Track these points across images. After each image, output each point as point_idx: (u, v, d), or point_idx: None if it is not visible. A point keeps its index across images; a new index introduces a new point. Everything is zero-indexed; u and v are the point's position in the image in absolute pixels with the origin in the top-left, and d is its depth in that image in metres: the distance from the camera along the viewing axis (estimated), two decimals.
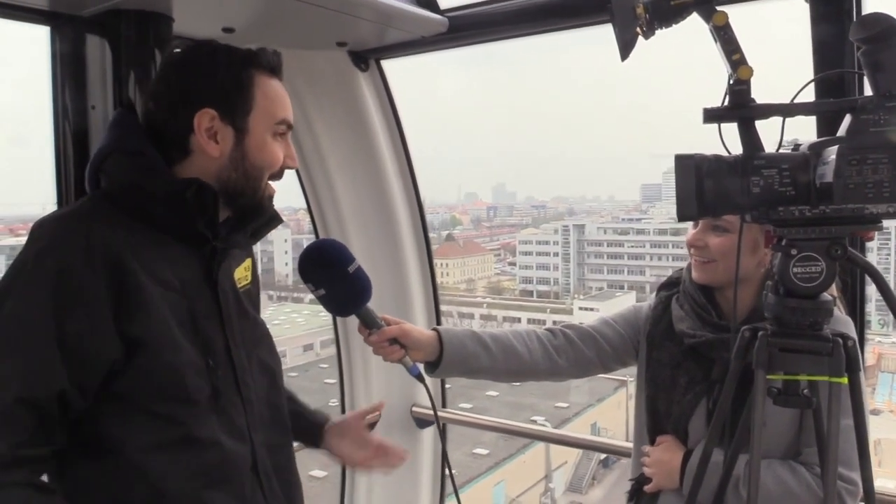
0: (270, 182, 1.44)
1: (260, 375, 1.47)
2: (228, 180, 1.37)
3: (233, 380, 1.39)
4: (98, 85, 1.94)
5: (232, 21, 2.06)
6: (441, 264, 31.76)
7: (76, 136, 1.95)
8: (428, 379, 1.67)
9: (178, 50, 1.45)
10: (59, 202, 1.97)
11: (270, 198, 1.45)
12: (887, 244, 23.48)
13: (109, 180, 1.36)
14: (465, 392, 15.99)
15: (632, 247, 30.55)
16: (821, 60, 1.74)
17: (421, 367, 1.67)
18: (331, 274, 1.54)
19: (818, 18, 1.75)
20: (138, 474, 1.27)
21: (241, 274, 1.51)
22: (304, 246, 1.64)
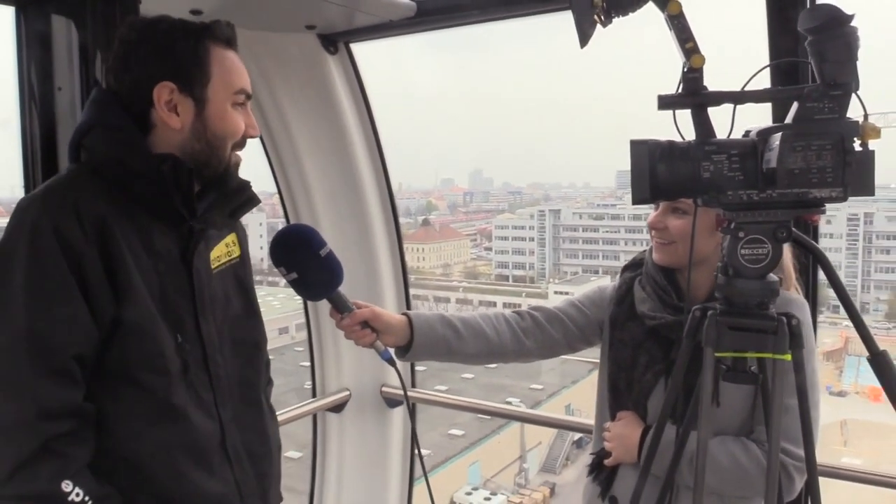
0: (238, 150, 1.47)
1: (232, 353, 1.50)
2: (193, 151, 1.40)
3: (201, 356, 1.42)
4: (65, 66, 1.93)
5: (199, 3, 2.06)
6: (417, 249, 31.74)
7: (43, 118, 1.95)
8: (399, 363, 1.70)
9: (134, 21, 1.46)
10: (26, 183, 1.97)
11: (237, 166, 1.48)
12: (856, 230, 23.91)
13: (90, 154, 1.40)
14: (440, 374, 16.09)
15: (606, 232, 30.79)
16: (776, 48, 1.79)
17: (392, 351, 1.70)
18: (302, 258, 1.56)
19: (773, 7, 1.80)
20: (113, 442, 1.31)
21: (222, 251, 1.54)
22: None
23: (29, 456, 1.20)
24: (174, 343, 1.37)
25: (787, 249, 1.65)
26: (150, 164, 1.35)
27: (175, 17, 1.45)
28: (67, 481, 1.21)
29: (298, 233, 1.62)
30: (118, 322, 1.30)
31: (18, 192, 2.01)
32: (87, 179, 1.36)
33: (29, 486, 1.21)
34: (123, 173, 1.36)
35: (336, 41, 2.58)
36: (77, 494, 1.21)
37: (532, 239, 31.98)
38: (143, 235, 1.36)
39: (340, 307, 1.63)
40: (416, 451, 2.27)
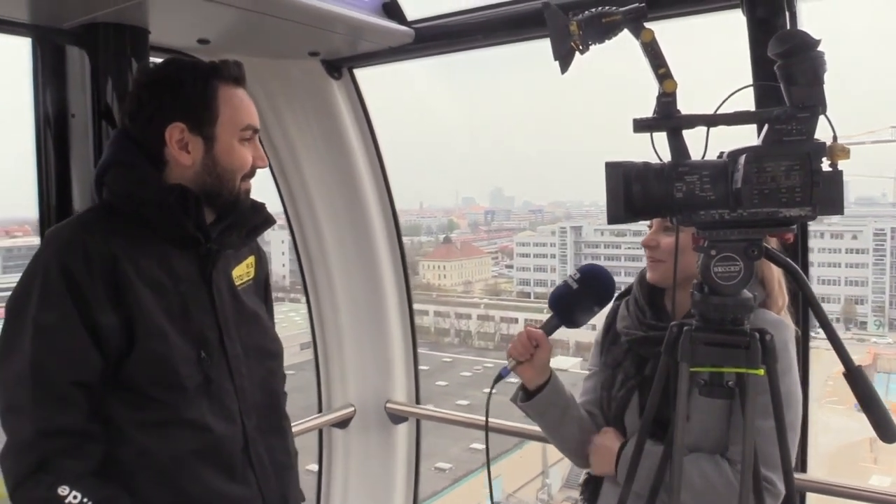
0: (247, 180, 1.58)
1: (256, 365, 1.60)
2: (204, 184, 1.51)
3: (226, 369, 1.52)
4: (78, 94, 2.03)
5: (206, 33, 2.15)
6: (439, 266, 31.81)
7: (57, 143, 2.05)
8: (412, 376, 1.72)
9: (149, 65, 1.58)
10: (40, 204, 2.08)
11: (247, 193, 1.58)
12: (883, 245, 23.54)
13: (109, 191, 1.51)
14: (460, 391, 16.13)
15: (628, 248, 30.55)
16: (758, 70, 1.83)
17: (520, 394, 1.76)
18: (591, 297, 1.71)
19: (754, 32, 1.84)
20: (136, 452, 1.42)
21: (243, 271, 1.65)
22: None
23: (30, 469, 1.33)
24: (196, 358, 1.47)
25: (776, 272, 1.68)
26: (161, 195, 1.46)
27: (186, 59, 1.58)
28: (64, 486, 1.32)
29: (609, 286, 1.74)
30: (131, 346, 1.40)
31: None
32: (103, 218, 1.48)
33: (31, 494, 1.33)
34: (139, 207, 1.47)
35: (340, 67, 2.66)
36: (75, 497, 1.31)
37: (553, 256, 31.82)
38: (164, 262, 1.47)
39: (549, 329, 1.73)
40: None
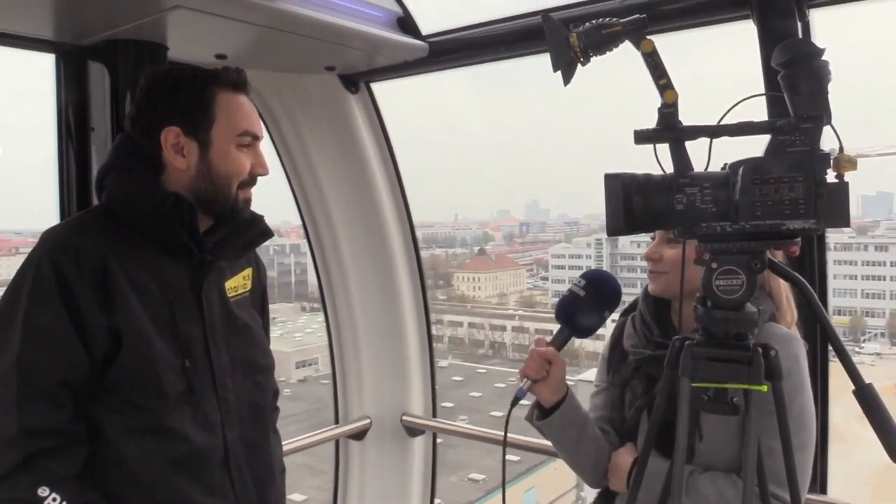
0: (247, 188, 1.57)
1: (243, 377, 1.59)
2: (199, 189, 1.51)
3: (210, 379, 1.52)
4: (99, 108, 2.09)
5: (223, 48, 2.19)
6: (473, 278, 31.70)
7: (78, 155, 2.11)
8: (429, 389, 1.68)
9: (148, 73, 1.59)
10: (62, 212, 2.15)
11: (246, 202, 1.58)
12: None
13: (107, 194, 1.53)
14: (494, 402, 16.04)
15: None
16: (770, 80, 1.79)
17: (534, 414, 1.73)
18: (599, 304, 1.69)
19: (766, 41, 1.80)
20: (115, 457, 1.41)
21: (238, 282, 1.64)
22: None
23: (11, 467, 1.32)
24: (181, 367, 1.46)
25: (783, 285, 1.64)
26: (156, 202, 1.46)
27: (189, 67, 1.59)
28: (44, 487, 1.31)
29: (616, 289, 1.72)
30: (117, 350, 1.40)
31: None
32: (99, 220, 1.49)
33: (10, 493, 1.32)
34: (134, 212, 1.47)
35: (357, 81, 2.68)
36: (54, 499, 1.31)
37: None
38: (155, 269, 1.47)
39: (559, 343, 1.71)
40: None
